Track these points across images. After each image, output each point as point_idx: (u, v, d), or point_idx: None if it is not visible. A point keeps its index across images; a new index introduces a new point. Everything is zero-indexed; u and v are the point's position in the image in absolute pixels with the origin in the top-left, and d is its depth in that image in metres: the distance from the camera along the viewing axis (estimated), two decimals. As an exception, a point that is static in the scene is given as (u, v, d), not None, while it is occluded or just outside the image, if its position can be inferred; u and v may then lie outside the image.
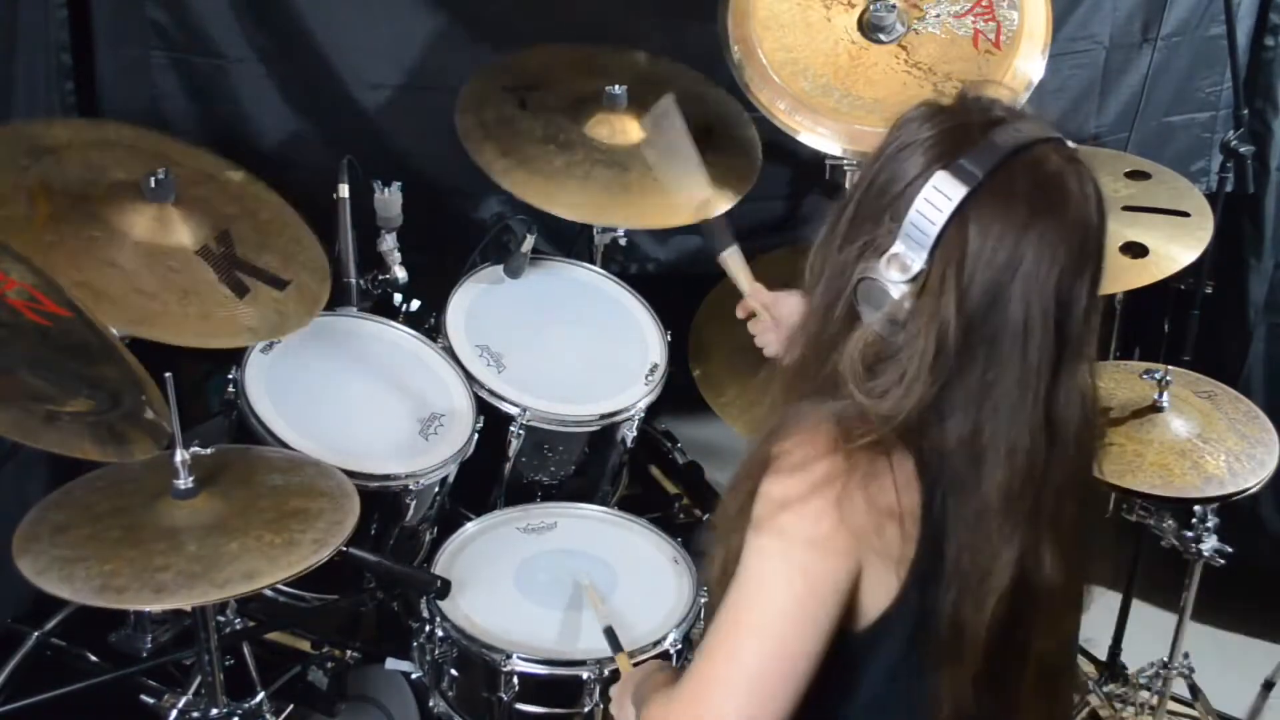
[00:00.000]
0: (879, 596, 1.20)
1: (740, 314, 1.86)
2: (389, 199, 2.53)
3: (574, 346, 2.56)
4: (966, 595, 1.19)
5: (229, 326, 2.01)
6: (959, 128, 1.20)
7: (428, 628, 2.06)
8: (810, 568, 1.18)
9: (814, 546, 1.17)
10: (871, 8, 2.49)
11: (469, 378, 2.38)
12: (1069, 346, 1.19)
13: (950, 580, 1.19)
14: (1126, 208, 2.46)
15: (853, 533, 1.17)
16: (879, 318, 1.19)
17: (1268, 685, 2.81)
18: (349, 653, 2.28)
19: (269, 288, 2.09)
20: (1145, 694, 2.56)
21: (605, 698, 1.98)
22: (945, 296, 1.16)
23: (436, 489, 2.28)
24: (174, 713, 2.02)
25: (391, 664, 2.15)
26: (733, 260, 1.87)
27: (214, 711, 1.96)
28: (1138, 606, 2.65)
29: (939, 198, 1.16)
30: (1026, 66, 2.48)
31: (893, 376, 1.18)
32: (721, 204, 1.81)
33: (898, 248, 1.18)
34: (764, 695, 1.17)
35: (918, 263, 1.17)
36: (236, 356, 2.22)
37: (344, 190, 2.45)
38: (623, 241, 2.79)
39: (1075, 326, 1.19)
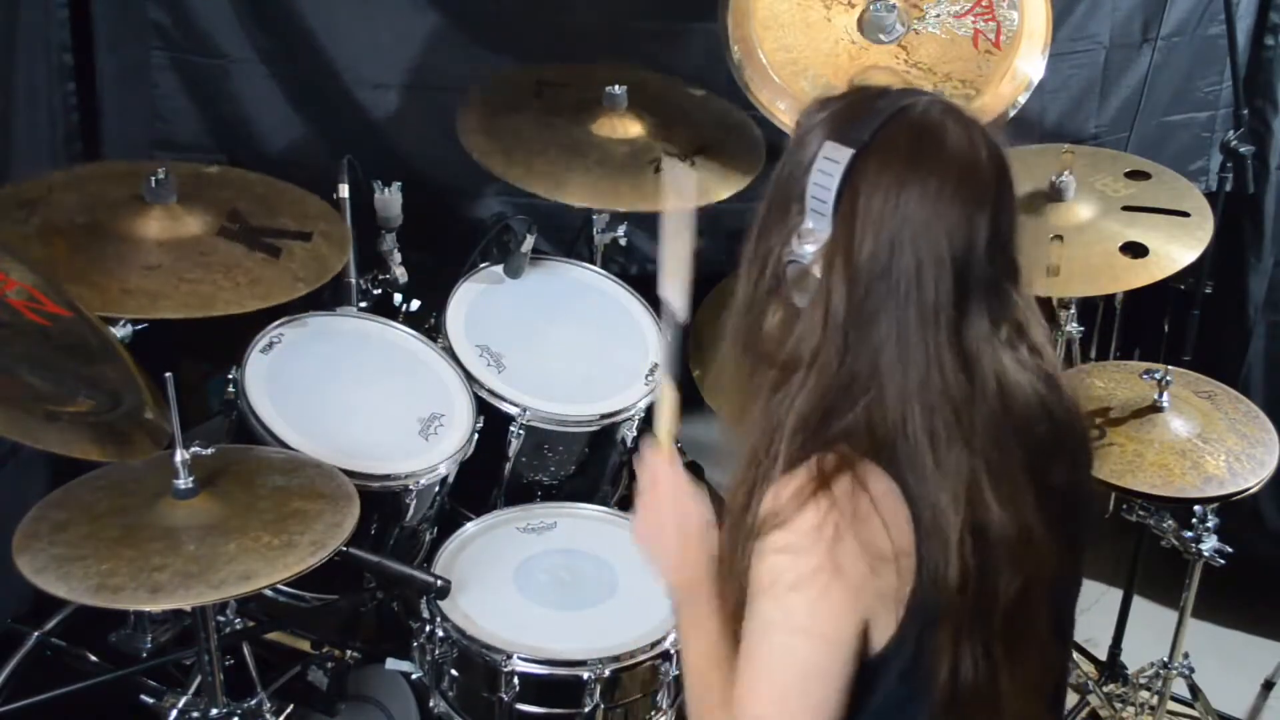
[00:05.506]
0: (884, 632, 1.21)
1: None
2: (389, 199, 2.54)
3: (574, 346, 2.55)
4: (929, 549, 1.18)
5: (280, 283, 2.14)
6: (848, 106, 1.24)
7: (428, 628, 2.06)
8: (817, 627, 1.18)
9: (815, 609, 1.18)
10: (871, 8, 2.49)
11: (469, 378, 2.38)
12: (974, 284, 1.20)
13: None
14: (1126, 208, 2.46)
15: (851, 582, 1.17)
16: (798, 295, 1.23)
17: (1268, 685, 2.82)
18: (349, 653, 2.28)
19: (297, 242, 2.23)
20: (1145, 694, 2.56)
21: (606, 698, 1.98)
22: (837, 258, 1.19)
23: (436, 489, 2.27)
24: (174, 713, 2.02)
25: (391, 664, 2.15)
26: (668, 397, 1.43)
27: (214, 711, 1.96)
28: (1137, 606, 2.65)
29: (829, 165, 1.19)
30: (1026, 66, 2.48)
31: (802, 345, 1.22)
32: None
33: (807, 223, 1.22)
34: None
35: (825, 233, 1.20)
36: (237, 356, 2.22)
37: (344, 190, 2.45)
38: (623, 242, 2.78)
39: (978, 264, 1.19)
